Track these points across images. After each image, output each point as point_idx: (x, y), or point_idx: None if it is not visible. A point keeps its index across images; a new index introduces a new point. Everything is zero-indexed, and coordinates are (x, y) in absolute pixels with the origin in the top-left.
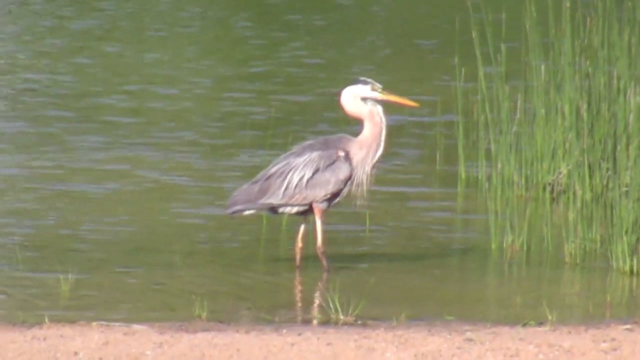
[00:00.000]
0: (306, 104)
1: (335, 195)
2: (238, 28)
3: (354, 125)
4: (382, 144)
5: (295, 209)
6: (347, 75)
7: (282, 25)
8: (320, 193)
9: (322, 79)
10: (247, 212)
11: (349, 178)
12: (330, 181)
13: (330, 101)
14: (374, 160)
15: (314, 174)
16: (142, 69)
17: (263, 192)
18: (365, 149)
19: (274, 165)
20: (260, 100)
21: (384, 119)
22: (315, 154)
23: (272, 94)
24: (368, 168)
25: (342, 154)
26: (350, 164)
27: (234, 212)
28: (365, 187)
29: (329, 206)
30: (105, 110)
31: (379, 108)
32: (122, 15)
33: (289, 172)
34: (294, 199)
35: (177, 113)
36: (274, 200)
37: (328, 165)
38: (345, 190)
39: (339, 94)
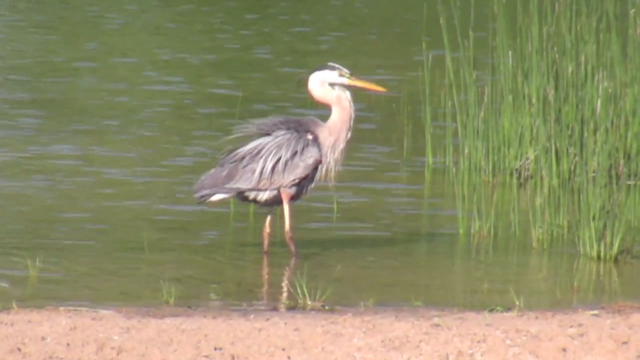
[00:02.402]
0: (266, 91)
1: (303, 179)
2: (187, 15)
3: (321, 110)
4: (350, 129)
5: (265, 195)
6: (313, 62)
7: (238, 11)
8: (288, 178)
9: (288, 66)
10: (215, 198)
11: (319, 163)
12: (298, 166)
13: (294, 87)
14: (343, 145)
15: (283, 158)
16: (81, 60)
17: (231, 176)
18: (336, 134)
19: (243, 147)
20: (214, 87)
21: (352, 104)
22: (286, 137)
23: (225, 83)
24: (337, 153)
25: (310, 137)
26: (320, 149)
27: (201, 197)
28: (333, 173)
29: (298, 192)
30: (60, 104)
31: (347, 93)
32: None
33: (259, 157)
34: (261, 184)
35: (135, 104)
36: (241, 184)
37: (299, 150)
38: (317, 175)
39: (305, 80)
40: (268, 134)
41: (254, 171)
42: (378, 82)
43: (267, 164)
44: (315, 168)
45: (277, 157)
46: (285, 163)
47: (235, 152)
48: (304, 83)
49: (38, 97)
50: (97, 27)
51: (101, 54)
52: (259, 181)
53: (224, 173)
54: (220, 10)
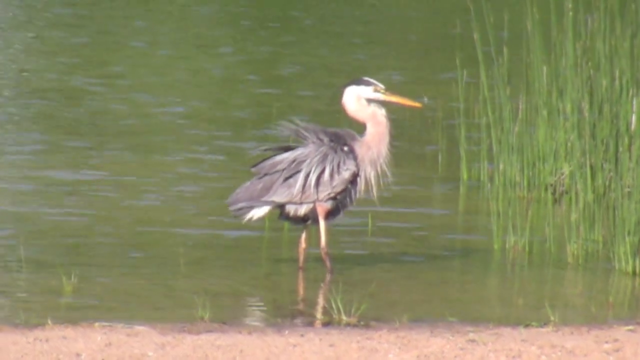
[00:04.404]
0: (296, 107)
1: (339, 193)
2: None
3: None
4: (389, 144)
5: (302, 209)
6: (348, 76)
7: (274, 23)
8: (324, 191)
9: (322, 79)
10: (253, 215)
11: (355, 176)
12: (335, 178)
13: (326, 102)
14: (382, 160)
15: (327, 170)
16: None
17: (267, 189)
18: (375, 148)
19: (278, 157)
20: (253, 100)
21: (388, 119)
22: (329, 147)
23: (266, 95)
24: (379, 168)
25: (346, 149)
26: (357, 163)
27: (238, 210)
28: (375, 188)
29: (335, 206)
30: (85, 127)
31: (383, 110)
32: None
33: (300, 168)
34: (298, 197)
35: (159, 124)
36: (278, 197)
37: (336, 163)
38: (356, 188)
39: (340, 92)
40: (305, 142)
41: (291, 184)
42: (413, 97)
43: (310, 176)
44: (351, 182)
45: (320, 168)
46: (331, 174)
47: (271, 163)
48: (338, 96)
49: (64, 121)
50: (114, 49)
51: (121, 75)
52: (296, 194)
53: (260, 186)
54: (240, 25)
